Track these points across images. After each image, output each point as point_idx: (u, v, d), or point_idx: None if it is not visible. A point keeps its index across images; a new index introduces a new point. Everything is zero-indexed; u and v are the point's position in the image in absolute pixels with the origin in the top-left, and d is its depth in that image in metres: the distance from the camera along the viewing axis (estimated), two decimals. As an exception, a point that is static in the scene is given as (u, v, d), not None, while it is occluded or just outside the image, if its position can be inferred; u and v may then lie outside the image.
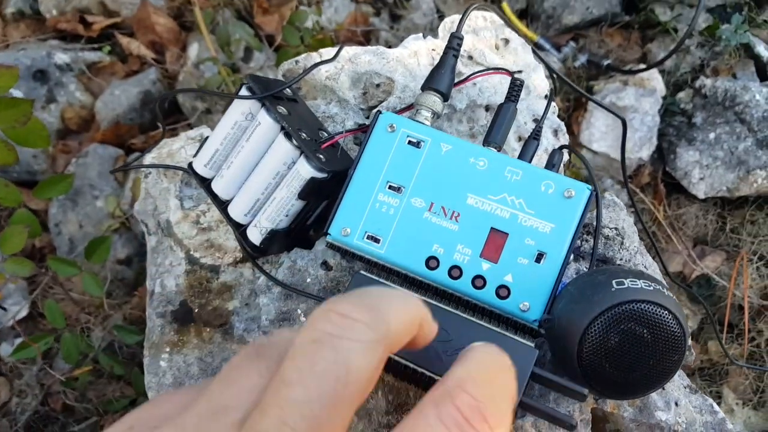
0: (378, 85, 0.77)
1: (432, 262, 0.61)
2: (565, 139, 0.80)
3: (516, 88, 0.69)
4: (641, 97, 1.35)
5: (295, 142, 0.63)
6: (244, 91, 0.67)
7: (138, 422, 0.36)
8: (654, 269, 0.72)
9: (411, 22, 1.54)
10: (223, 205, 0.69)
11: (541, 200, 0.61)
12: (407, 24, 1.54)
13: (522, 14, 1.56)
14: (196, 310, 0.72)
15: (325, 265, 0.70)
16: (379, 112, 0.65)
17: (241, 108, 0.67)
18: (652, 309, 0.53)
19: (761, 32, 1.41)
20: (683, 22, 1.44)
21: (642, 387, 0.55)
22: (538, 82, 0.81)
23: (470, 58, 0.80)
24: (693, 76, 1.40)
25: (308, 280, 0.69)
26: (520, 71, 0.78)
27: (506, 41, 0.83)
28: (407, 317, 0.35)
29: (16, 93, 1.33)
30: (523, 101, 0.77)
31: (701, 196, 1.30)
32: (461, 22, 0.73)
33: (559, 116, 0.82)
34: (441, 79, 0.69)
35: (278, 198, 0.64)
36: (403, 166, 0.63)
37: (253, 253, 0.69)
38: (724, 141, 1.30)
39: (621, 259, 0.70)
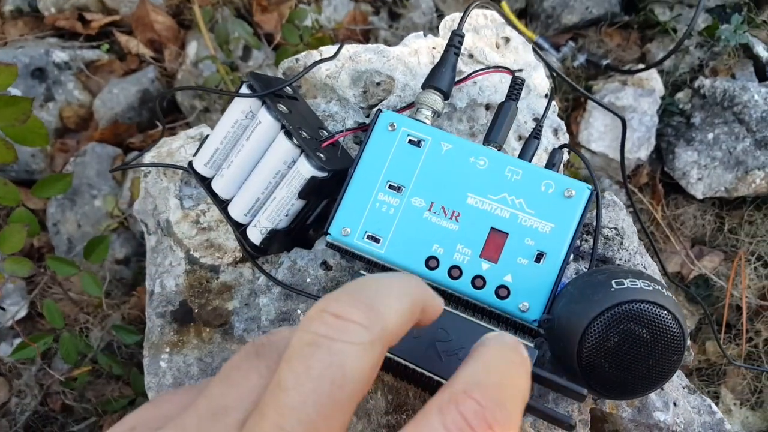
0: (378, 84, 0.77)
1: (432, 262, 0.61)
2: (565, 138, 0.80)
3: (516, 86, 0.69)
4: (640, 97, 1.35)
5: (295, 140, 0.63)
6: (244, 89, 0.67)
7: (139, 423, 0.36)
8: (653, 270, 0.72)
9: (410, 21, 1.54)
10: (223, 204, 0.69)
11: (541, 200, 0.61)
12: (406, 23, 1.54)
13: (521, 14, 1.56)
14: (196, 310, 0.72)
15: (325, 264, 0.70)
16: (380, 110, 0.65)
17: (241, 106, 0.67)
18: (651, 309, 0.53)
19: (760, 33, 1.41)
20: (682, 22, 1.44)
21: (641, 387, 0.55)
22: (539, 81, 0.81)
23: (471, 56, 0.80)
24: (692, 77, 1.40)
25: (308, 280, 0.69)
26: (520, 70, 0.78)
27: (507, 40, 0.83)
28: (405, 309, 0.35)
29: (15, 91, 1.33)
30: (523, 100, 0.77)
31: (699, 196, 1.30)
32: (462, 19, 0.73)
33: (558, 116, 0.82)
34: (442, 77, 0.69)
35: (278, 197, 0.64)
36: (404, 165, 0.63)
37: (253, 253, 0.69)
38: (723, 141, 1.30)
39: (620, 259, 0.70)
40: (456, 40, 0.71)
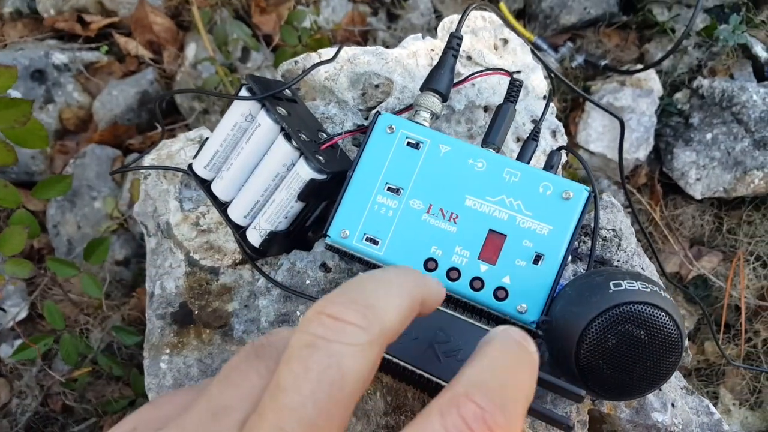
0: (377, 86, 0.77)
1: (430, 263, 0.61)
2: (563, 140, 0.80)
3: (515, 88, 0.69)
4: (638, 98, 1.35)
5: (294, 143, 0.64)
6: (243, 92, 0.67)
7: (140, 423, 0.36)
8: (651, 270, 0.72)
9: (408, 22, 1.54)
10: (222, 206, 0.69)
11: (540, 202, 0.61)
12: (404, 24, 1.54)
13: (519, 14, 1.56)
14: (196, 312, 0.72)
15: (324, 266, 0.70)
16: (378, 113, 0.65)
17: (240, 109, 0.67)
18: (649, 311, 0.53)
19: (759, 33, 1.41)
20: (681, 22, 1.44)
21: (639, 388, 0.55)
22: (537, 83, 0.81)
23: (469, 58, 0.80)
24: (690, 77, 1.40)
25: (307, 281, 0.69)
26: (518, 72, 0.79)
27: (505, 41, 0.83)
28: (404, 307, 0.35)
29: (14, 93, 1.33)
30: (521, 102, 0.78)
31: (698, 196, 1.31)
32: (461, 21, 0.73)
33: (556, 117, 0.82)
34: (440, 79, 0.69)
35: (278, 200, 0.65)
36: (402, 167, 0.63)
37: (252, 255, 0.70)
38: (721, 141, 1.30)
39: (618, 261, 0.70)
40: (454, 42, 0.71)
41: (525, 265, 0.60)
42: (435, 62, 0.72)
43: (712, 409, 0.69)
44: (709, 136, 1.32)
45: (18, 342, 1.16)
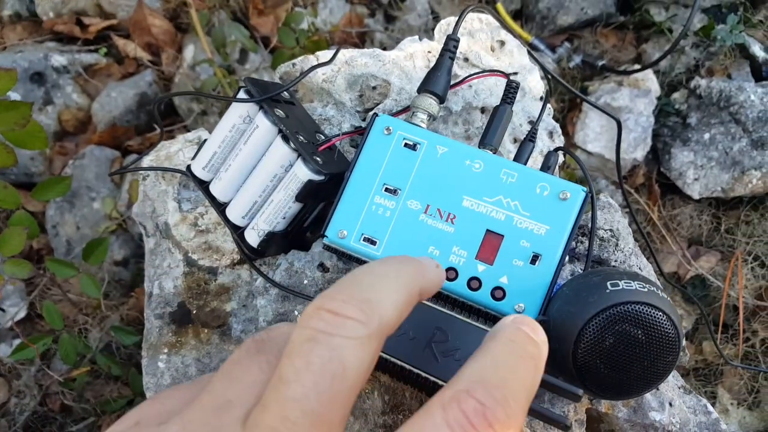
0: (374, 88, 0.78)
1: (428, 263, 0.61)
2: (560, 140, 0.80)
3: (511, 90, 0.69)
4: (636, 98, 1.35)
5: (292, 144, 0.64)
6: (242, 94, 0.67)
7: (143, 418, 0.36)
8: (649, 270, 0.72)
9: (405, 24, 1.54)
10: (221, 207, 0.69)
11: (537, 202, 0.61)
12: (402, 25, 1.54)
13: (516, 15, 1.56)
14: (194, 312, 0.72)
15: (322, 266, 0.70)
16: (376, 114, 0.65)
17: (239, 111, 0.68)
18: (646, 310, 0.53)
19: (756, 32, 1.41)
20: (678, 22, 1.45)
21: (636, 388, 0.55)
22: (534, 84, 0.81)
23: (466, 60, 0.80)
24: (688, 77, 1.41)
25: (305, 281, 0.70)
26: (515, 73, 0.79)
27: (502, 43, 0.83)
28: (401, 300, 0.36)
29: (14, 95, 1.33)
30: (518, 103, 0.78)
31: (696, 196, 1.31)
32: (457, 23, 0.73)
33: (553, 117, 0.82)
34: (437, 81, 0.69)
35: (276, 200, 0.65)
36: (400, 168, 0.63)
37: (250, 255, 0.70)
38: (719, 141, 1.31)
39: (616, 261, 0.70)
40: (451, 44, 0.71)
41: (522, 265, 0.60)
42: (432, 64, 0.72)
43: (710, 408, 0.69)
44: (706, 136, 1.32)
45: (17, 342, 1.16)
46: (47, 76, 1.42)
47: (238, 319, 0.71)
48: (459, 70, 0.78)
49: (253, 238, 0.67)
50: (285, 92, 0.71)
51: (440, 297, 0.61)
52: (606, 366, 0.54)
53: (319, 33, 1.42)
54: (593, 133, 1.35)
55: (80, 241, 1.30)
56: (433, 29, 0.84)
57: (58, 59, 1.44)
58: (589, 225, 0.68)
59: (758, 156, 1.27)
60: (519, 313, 0.59)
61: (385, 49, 0.81)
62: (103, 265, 1.24)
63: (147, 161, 0.79)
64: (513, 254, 0.60)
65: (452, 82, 0.72)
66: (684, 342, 0.65)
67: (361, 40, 1.53)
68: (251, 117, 0.67)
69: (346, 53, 0.79)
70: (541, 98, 0.81)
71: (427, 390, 0.51)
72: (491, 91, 0.77)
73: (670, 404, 0.67)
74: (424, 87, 0.69)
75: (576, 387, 0.45)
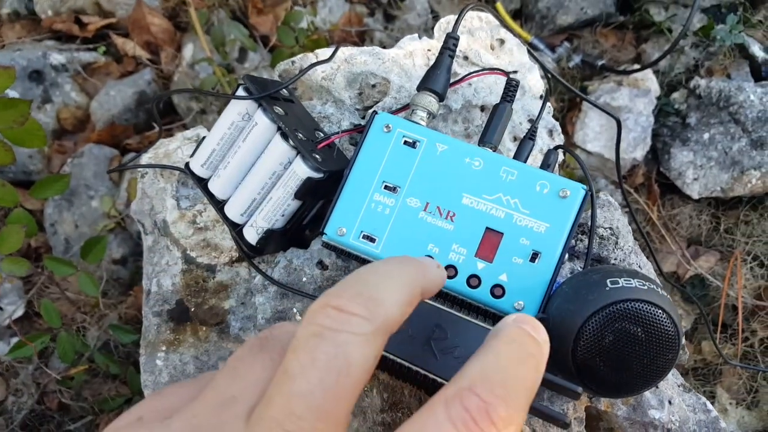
0: (374, 86, 0.77)
1: (427, 261, 0.61)
2: (560, 139, 0.80)
3: (511, 88, 0.69)
4: (635, 98, 1.35)
5: (291, 142, 0.64)
6: (240, 92, 0.67)
7: (146, 413, 0.37)
8: (648, 269, 0.72)
9: (405, 23, 1.54)
10: (219, 204, 0.69)
11: (537, 200, 0.61)
12: (401, 24, 1.54)
13: (516, 14, 1.56)
14: (193, 309, 0.72)
15: (321, 264, 0.70)
16: (375, 112, 0.65)
17: (237, 108, 0.68)
18: (646, 308, 0.53)
19: (756, 32, 1.41)
20: (678, 22, 1.45)
21: (636, 385, 0.55)
22: (534, 83, 0.81)
23: (466, 58, 0.80)
24: (687, 77, 1.41)
25: (304, 279, 0.69)
26: (515, 71, 0.79)
27: (501, 41, 0.83)
28: (404, 298, 0.36)
29: (12, 93, 1.33)
30: (518, 101, 0.78)
31: (695, 196, 1.31)
32: (457, 22, 0.73)
33: (553, 116, 0.82)
34: (437, 79, 0.69)
35: (274, 198, 0.65)
36: (399, 166, 0.63)
37: (249, 253, 0.70)
38: (719, 141, 1.30)
39: (615, 259, 0.70)
40: (451, 42, 0.71)
41: (522, 263, 0.60)
42: (432, 62, 0.72)
43: (709, 406, 0.69)
44: (706, 135, 1.32)
45: (14, 340, 1.16)
46: (46, 74, 1.42)
47: (237, 317, 0.71)
48: (459, 68, 0.78)
49: (251, 235, 0.67)
50: (284, 90, 0.71)
51: (440, 294, 0.61)
52: (605, 364, 0.54)
53: (318, 32, 1.42)
54: (593, 133, 1.35)
55: (78, 239, 1.29)
56: (432, 28, 0.84)
57: (57, 57, 1.44)
58: (589, 223, 0.68)
59: (757, 156, 1.27)
60: (518, 310, 0.58)
61: (384, 48, 0.81)
62: (101, 263, 1.23)
63: (145, 159, 0.79)
64: (512, 252, 0.60)
65: (452, 80, 0.72)
66: (684, 340, 0.65)
67: (361, 40, 1.53)
68: (250, 114, 0.67)
69: (345, 51, 0.79)
70: (541, 97, 0.81)
71: (425, 388, 0.50)
72: (491, 89, 0.77)
73: (670, 402, 0.67)
74: (424, 85, 0.69)
75: (575, 385, 0.45)
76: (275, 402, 0.31)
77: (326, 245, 0.64)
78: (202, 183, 0.70)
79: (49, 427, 1.18)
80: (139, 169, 0.78)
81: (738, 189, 1.28)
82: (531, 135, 0.69)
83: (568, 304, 0.56)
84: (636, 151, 1.34)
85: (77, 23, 1.53)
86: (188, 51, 1.48)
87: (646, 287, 0.54)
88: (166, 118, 1.44)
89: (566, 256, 0.62)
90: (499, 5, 1.45)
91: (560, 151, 0.69)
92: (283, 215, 0.66)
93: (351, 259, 0.66)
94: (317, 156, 0.64)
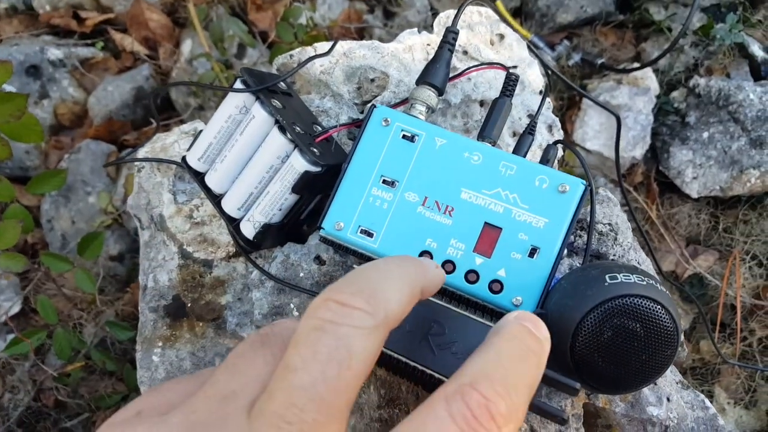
0: (372, 80, 0.77)
1: (425, 256, 0.61)
2: (559, 134, 0.80)
3: (511, 83, 0.69)
4: (635, 96, 1.35)
5: (289, 135, 0.63)
6: (238, 84, 0.67)
7: (145, 408, 0.37)
8: (647, 265, 0.72)
9: (404, 20, 1.54)
10: (216, 199, 0.69)
11: (535, 195, 0.61)
12: (401, 21, 1.54)
13: (516, 12, 1.56)
14: (189, 305, 0.72)
15: (318, 259, 0.70)
16: (374, 106, 0.65)
17: (235, 101, 0.67)
18: (644, 303, 0.53)
19: (755, 32, 1.41)
20: (677, 21, 1.44)
21: (634, 382, 0.55)
22: (533, 78, 0.81)
23: (465, 53, 0.80)
24: (687, 76, 1.40)
25: (301, 274, 0.69)
26: (515, 66, 0.78)
27: (501, 36, 0.83)
28: (405, 296, 0.36)
29: (9, 88, 1.33)
30: (517, 97, 0.77)
31: (694, 195, 1.31)
32: (457, 16, 0.73)
33: (552, 113, 0.82)
34: (436, 73, 0.69)
35: (272, 192, 0.64)
36: (397, 160, 0.63)
37: (246, 248, 0.69)
38: (718, 140, 1.30)
39: (614, 255, 0.70)
40: (450, 36, 0.71)
41: (520, 258, 0.59)
42: (431, 57, 0.71)
43: (708, 403, 0.69)
44: (705, 134, 1.32)
45: (11, 336, 1.15)
46: (43, 69, 1.42)
47: (234, 313, 0.70)
48: (458, 62, 0.78)
49: (248, 230, 0.66)
50: (282, 83, 0.71)
51: (438, 290, 0.61)
52: (604, 360, 0.53)
53: (317, 28, 1.42)
54: (592, 131, 1.35)
55: (75, 235, 1.29)
56: (431, 25, 0.84)
57: (55, 53, 1.44)
58: (588, 219, 0.67)
59: (757, 155, 1.26)
60: (516, 306, 0.58)
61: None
62: (98, 259, 1.23)
63: (142, 153, 0.78)
64: (511, 247, 0.60)
65: (451, 75, 0.72)
66: (682, 336, 0.65)
67: (360, 36, 1.53)
68: (248, 107, 0.67)
69: (344, 45, 0.79)
70: (541, 92, 0.81)
71: (423, 383, 0.50)
72: (490, 84, 0.77)
73: (668, 399, 0.66)
74: (423, 79, 0.69)
75: (573, 381, 0.45)
76: (277, 395, 0.31)
77: (324, 240, 0.64)
78: (199, 177, 0.70)
79: (45, 424, 1.17)
80: (136, 164, 0.78)
81: (737, 188, 1.28)
82: (530, 130, 0.68)
83: (567, 299, 0.55)
84: (635, 150, 1.33)
85: (75, 18, 1.53)
86: (187, 47, 1.48)
87: (645, 283, 0.54)
88: (164, 114, 1.44)
89: (565, 251, 0.62)
90: (499, 3, 1.45)
91: (559, 146, 0.69)
92: (280, 209, 0.65)
93: (348, 254, 0.65)
94: (315, 150, 0.63)
